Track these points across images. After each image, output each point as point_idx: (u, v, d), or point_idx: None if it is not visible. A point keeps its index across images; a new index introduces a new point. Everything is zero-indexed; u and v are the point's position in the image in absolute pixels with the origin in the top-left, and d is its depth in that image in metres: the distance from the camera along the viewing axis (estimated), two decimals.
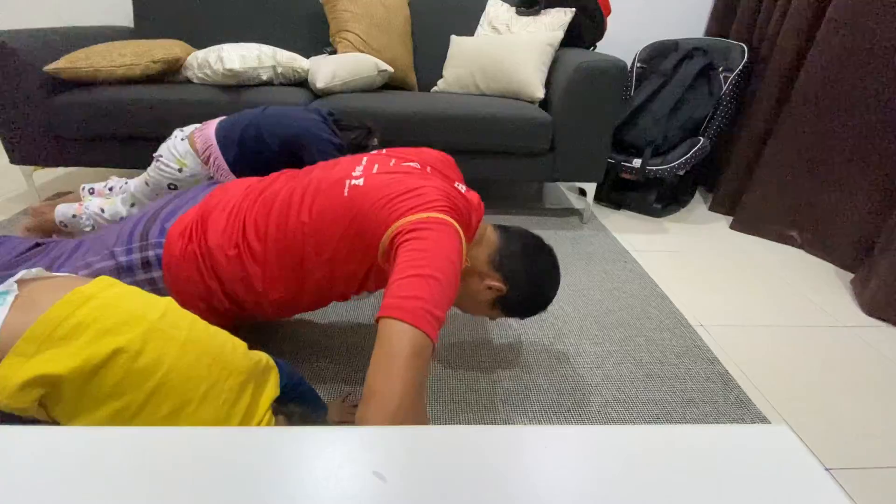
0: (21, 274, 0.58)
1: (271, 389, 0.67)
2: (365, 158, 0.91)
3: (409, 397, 0.59)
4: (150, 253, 0.83)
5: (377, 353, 0.61)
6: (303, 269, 0.83)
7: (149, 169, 1.24)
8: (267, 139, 1.19)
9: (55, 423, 0.52)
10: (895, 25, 1.40)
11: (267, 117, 1.22)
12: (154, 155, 1.22)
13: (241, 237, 0.83)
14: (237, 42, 1.63)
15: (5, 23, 2.10)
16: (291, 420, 0.67)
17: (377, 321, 0.64)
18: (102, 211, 1.24)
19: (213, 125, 1.21)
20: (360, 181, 0.82)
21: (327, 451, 0.28)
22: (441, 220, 0.73)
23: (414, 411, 0.60)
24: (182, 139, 1.22)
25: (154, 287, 0.83)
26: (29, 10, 2.12)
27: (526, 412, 0.94)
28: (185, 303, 0.79)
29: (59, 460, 0.27)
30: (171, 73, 1.65)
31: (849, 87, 1.51)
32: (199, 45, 1.75)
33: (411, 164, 0.89)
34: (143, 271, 0.83)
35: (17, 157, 1.61)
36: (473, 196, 0.91)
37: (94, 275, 0.74)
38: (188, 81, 1.63)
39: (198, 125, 1.24)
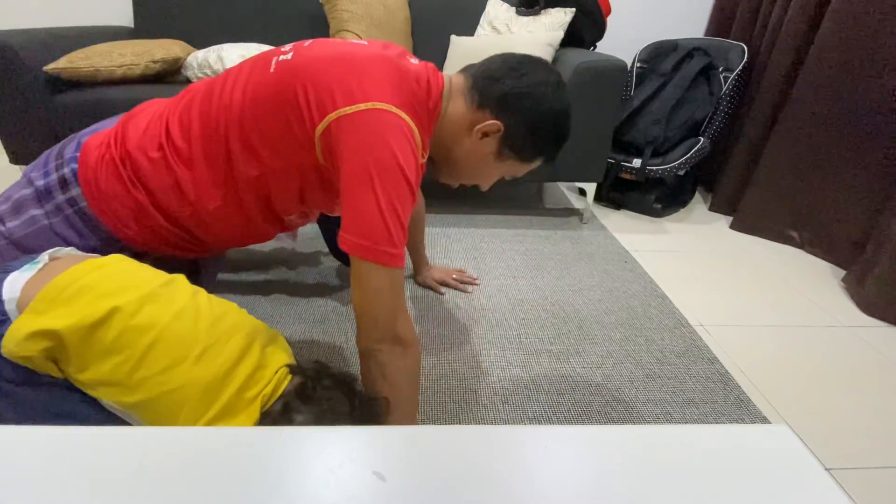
0: (54, 250, 0.64)
1: (282, 353, 0.68)
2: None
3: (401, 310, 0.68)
4: (66, 170, 0.74)
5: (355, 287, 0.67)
6: (232, 168, 0.73)
7: None
8: None
9: (66, 379, 0.58)
10: (894, 25, 1.40)
11: None
12: None
13: (164, 137, 0.74)
14: (237, 42, 1.63)
15: (5, 23, 2.10)
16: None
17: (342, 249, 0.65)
18: None
19: None
20: (289, 55, 0.71)
21: (327, 451, 0.28)
22: (385, 111, 0.65)
23: (402, 314, 0.69)
24: None
25: (76, 208, 0.75)
26: (29, 10, 2.12)
27: (526, 412, 0.94)
28: (116, 226, 0.76)
29: (59, 460, 0.26)
30: (171, 73, 1.65)
31: (849, 87, 1.51)
32: (199, 45, 1.75)
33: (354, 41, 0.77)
34: (62, 191, 0.74)
35: (17, 157, 1.61)
36: (428, 64, 0.77)
37: (13, 207, 0.75)
38: (188, 81, 1.63)
39: None
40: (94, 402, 0.59)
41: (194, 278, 0.70)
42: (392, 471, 0.27)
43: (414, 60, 0.76)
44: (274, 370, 0.64)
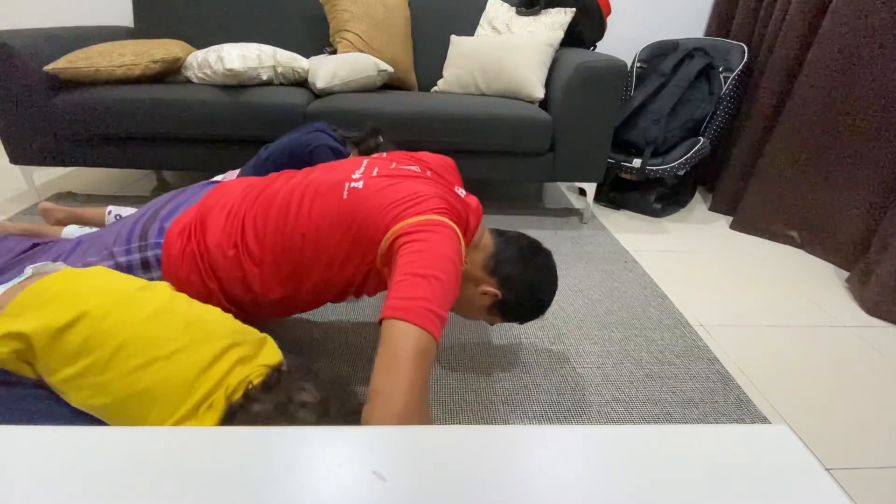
0: (40, 265, 0.65)
1: (268, 355, 0.68)
2: (365, 161, 0.91)
3: (414, 397, 0.59)
4: (150, 253, 0.83)
5: (382, 354, 0.61)
6: (300, 272, 0.83)
7: None
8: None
9: (40, 379, 0.59)
10: (895, 25, 1.40)
11: (278, 154, 1.21)
12: None
13: (240, 237, 0.83)
14: (237, 42, 1.63)
15: (5, 23, 2.10)
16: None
17: (380, 322, 0.64)
18: None
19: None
20: (360, 184, 0.81)
21: (327, 451, 0.28)
22: (440, 221, 0.74)
23: (419, 411, 0.60)
24: None
25: None
26: (29, 10, 2.12)
27: (526, 412, 0.94)
28: None
29: (58, 460, 0.26)
30: (171, 73, 1.65)
31: (848, 86, 1.51)
32: (199, 45, 1.75)
33: (411, 167, 0.89)
34: (143, 271, 0.82)
35: (17, 157, 1.61)
36: (472, 200, 0.92)
37: None
38: (188, 81, 1.63)
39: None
40: (65, 404, 0.60)
41: None
42: (392, 471, 0.27)
43: (461, 191, 0.91)
44: (251, 371, 0.63)
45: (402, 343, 0.60)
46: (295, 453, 0.28)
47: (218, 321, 0.67)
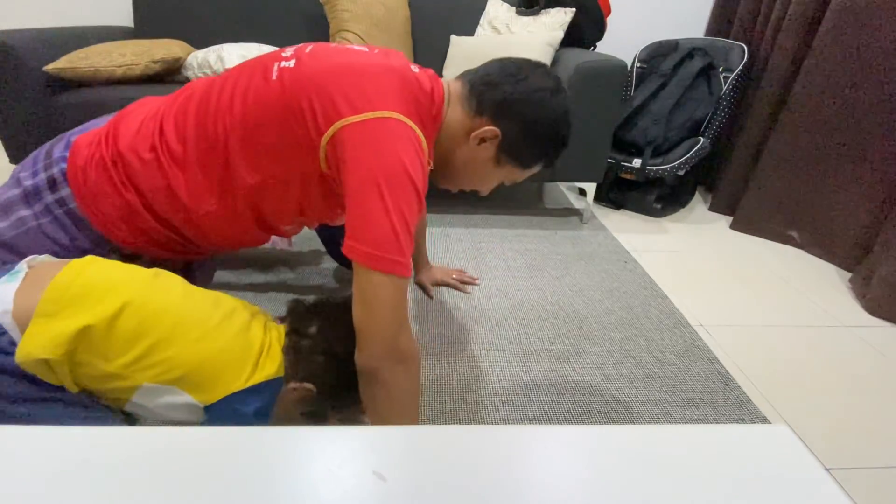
0: (30, 258, 0.65)
1: (268, 318, 0.74)
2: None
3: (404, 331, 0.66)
4: (55, 169, 0.73)
5: (358, 299, 0.64)
6: (230, 174, 0.72)
7: None
8: None
9: (63, 391, 0.58)
10: (895, 25, 1.40)
11: None
12: None
13: (158, 137, 0.72)
14: (237, 42, 1.63)
15: (5, 23, 2.10)
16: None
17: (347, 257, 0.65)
18: None
19: None
20: (291, 62, 0.70)
21: (327, 451, 0.28)
22: (391, 119, 0.64)
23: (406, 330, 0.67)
24: None
25: (66, 209, 0.73)
26: (29, 10, 2.12)
27: (526, 412, 0.94)
28: (106, 227, 0.76)
29: (58, 460, 0.26)
30: (171, 73, 1.65)
31: (848, 86, 1.51)
32: (199, 45, 1.75)
33: (357, 48, 0.76)
34: (51, 192, 0.73)
35: (17, 157, 1.61)
36: (427, 72, 0.77)
37: (1, 208, 0.75)
38: (188, 81, 1.63)
39: None
40: (96, 419, 0.60)
41: (189, 278, 0.70)
42: (392, 471, 0.27)
43: (415, 68, 0.76)
44: (272, 325, 0.72)
45: (379, 293, 0.63)
46: (295, 453, 0.28)
47: (227, 297, 0.70)
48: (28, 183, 0.73)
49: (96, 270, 0.63)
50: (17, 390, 0.55)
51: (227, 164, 0.72)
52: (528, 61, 0.76)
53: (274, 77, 0.69)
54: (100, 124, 0.79)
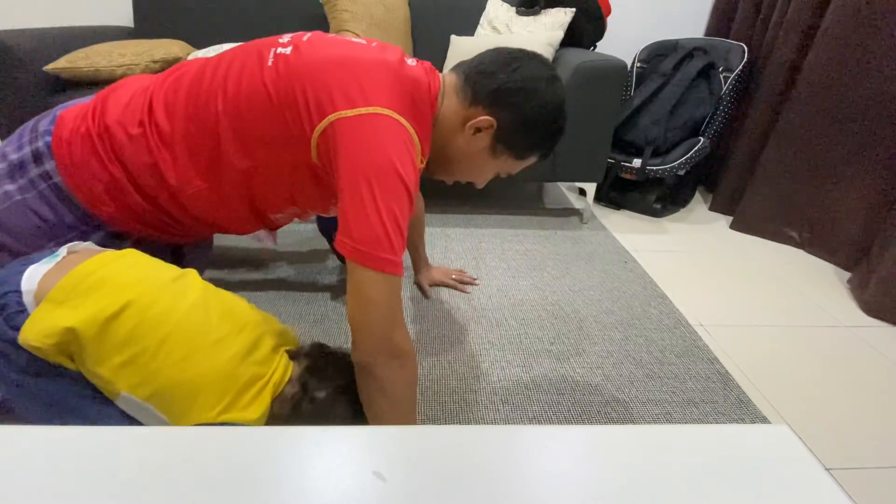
0: (72, 244, 0.64)
1: (290, 342, 0.72)
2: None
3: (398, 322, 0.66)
4: (40, 143, 0.71)
5: (353, 295, 0.64)
6: (219, 157, 0.71)
7: None
8: None
9: (78, 372, 0.58)
10: (895, 25, 1.40)
11: None
12: None
13: (146, 115, 0.71)
14: (237, 42, 1.63)
15: (5, 23, 2.10)
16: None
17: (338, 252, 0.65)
18: None
19: None
20: (288, 49, 0.69)
21: (327, 451, 0.28)
22: (384, 116, 0.64)
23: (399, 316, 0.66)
24: None
25: (50, 183, 0.72)
26: (29, 10, 2.12)
27: (526, 412, 0.94)
28: (91, 202, 0.74)
29: (59, 460, 0.26)
30: None
31: (848, 86, 1.51)
32: (199, 45, 1.75)
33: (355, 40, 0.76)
34: (36, 165, 0.71)
35: None
36: (424, 64, 0.77)
37: None
38: None
39: None
40: (103, 403, 0.59)
41: (179, 266, 0.70)
42: (392, 471, 0.27)
43: (412, 62, 0.75)
44: (280, 358, 0.66)
45: (372, 291, 0.63)
46: (295, 453, 0.28)
47: (247, 310, 0.67)
48: (13, 157, 0.72)
49: (120, 266, 0.62)
50: (29, 365, 0.56)
51: (218, 146, 0.71)
52: (522, 51, 0.75)
53: (269, 63, 0.69)
54: (88, 98, 0.79)
